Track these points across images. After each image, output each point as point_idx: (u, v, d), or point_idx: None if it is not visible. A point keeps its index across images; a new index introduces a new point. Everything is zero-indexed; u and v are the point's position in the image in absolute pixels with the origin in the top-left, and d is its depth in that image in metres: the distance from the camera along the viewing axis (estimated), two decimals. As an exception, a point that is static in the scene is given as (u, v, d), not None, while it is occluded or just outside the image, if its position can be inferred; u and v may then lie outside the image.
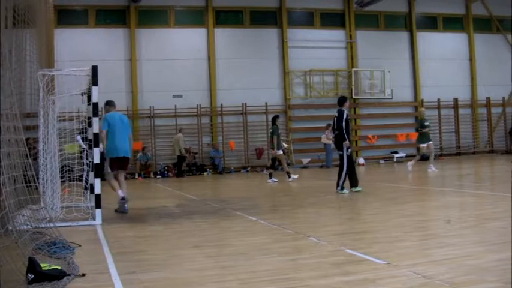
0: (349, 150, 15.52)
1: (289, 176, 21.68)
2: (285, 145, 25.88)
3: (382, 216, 10.97)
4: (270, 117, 30.86)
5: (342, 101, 15.97)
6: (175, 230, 10.24)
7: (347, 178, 15.42)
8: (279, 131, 22.25)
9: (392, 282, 5.79)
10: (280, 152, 21.91)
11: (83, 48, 27.86)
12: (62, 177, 13.73)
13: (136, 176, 28.20)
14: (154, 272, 6.86)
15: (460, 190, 15.79)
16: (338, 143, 15.62)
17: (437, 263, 6.51)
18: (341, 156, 15.50)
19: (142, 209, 14.05)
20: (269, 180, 21.51)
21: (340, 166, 15.55)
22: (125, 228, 10.96)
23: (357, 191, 15.28)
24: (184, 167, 29.55)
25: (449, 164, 28.28)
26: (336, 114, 15.66)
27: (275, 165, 22.95)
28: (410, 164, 23.27)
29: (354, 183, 15.51)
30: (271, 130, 22.05)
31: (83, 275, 6.52)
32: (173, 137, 29.41)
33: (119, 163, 13.15)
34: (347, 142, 15.25)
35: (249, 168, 30.60)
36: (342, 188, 15.37)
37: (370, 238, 8.52)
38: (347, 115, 15.64)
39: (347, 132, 15.35)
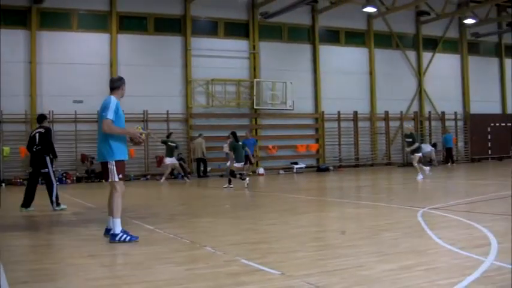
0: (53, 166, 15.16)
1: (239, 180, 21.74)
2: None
3: (278, 226, 11.05)
4: (171, 126, 31.09)
5: (42, 118, 15.47)
6: (71, 238, 10.04)
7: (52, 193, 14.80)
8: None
9: (285, 293, 5.84)
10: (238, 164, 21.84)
11: (-20, 49, 27.06)
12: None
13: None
14: (47, 282, 6.71)
15: (357, 202, 16.08)
16: (39, 161, 14.81)
17: (330, 274, 6.60)
18: (46, 174, 14.79)
19: (37, 217, 13.73)
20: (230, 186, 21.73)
21: (47, 184, 14.82)
22: (18, 236, 10.67)
23: (26, 211, 14.62)
24: (83, 174, 29.13)
25: (347, 176, 28.84)
26: (42, 130, 15.00)
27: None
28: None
29: (28, 203, 14.83)
30: (240, 143, 22.02)
31: (-29, 284, 6.31)
32: (193, 141, 31.04)
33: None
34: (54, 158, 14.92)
35: (148, 176, 30.36)
36: (58, 204, 14.76)
37: (265, 248, 8.57)
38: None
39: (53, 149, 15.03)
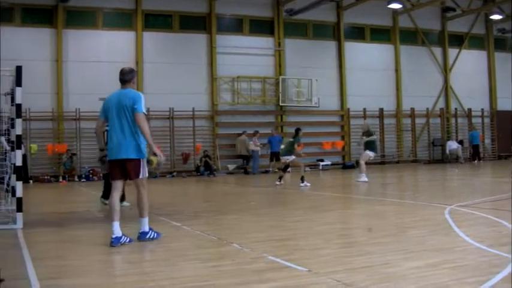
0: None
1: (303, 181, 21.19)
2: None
3: (304, 223, 11.06)
4: (196, 123, 31.14)
5: None
6: (97, 235, 10.11)
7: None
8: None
9: (312, 290, 5.85)
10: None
11: (7, 47, 26.99)
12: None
13: (60, 179, 27.73)
14: (74, 277, 6.78)
15: (383, 199, 16.04)
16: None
17: (356, 271, 6.61)
18: None
19: (65, 213, 13.83)
20: (302, 185, 20.88)
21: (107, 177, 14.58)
22: (46, 232, 10.77)
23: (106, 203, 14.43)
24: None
25: (373, 173, 28.67)
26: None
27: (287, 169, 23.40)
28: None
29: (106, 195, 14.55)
30: (292, 140, 22.44)
31: (1, 280, 6.33)
32: (237, 138, 31.51)
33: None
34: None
35: (174, 173, 30.43)
36: (104, 197, 14.52)
37: (292, 245, 8.59)
38: None
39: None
